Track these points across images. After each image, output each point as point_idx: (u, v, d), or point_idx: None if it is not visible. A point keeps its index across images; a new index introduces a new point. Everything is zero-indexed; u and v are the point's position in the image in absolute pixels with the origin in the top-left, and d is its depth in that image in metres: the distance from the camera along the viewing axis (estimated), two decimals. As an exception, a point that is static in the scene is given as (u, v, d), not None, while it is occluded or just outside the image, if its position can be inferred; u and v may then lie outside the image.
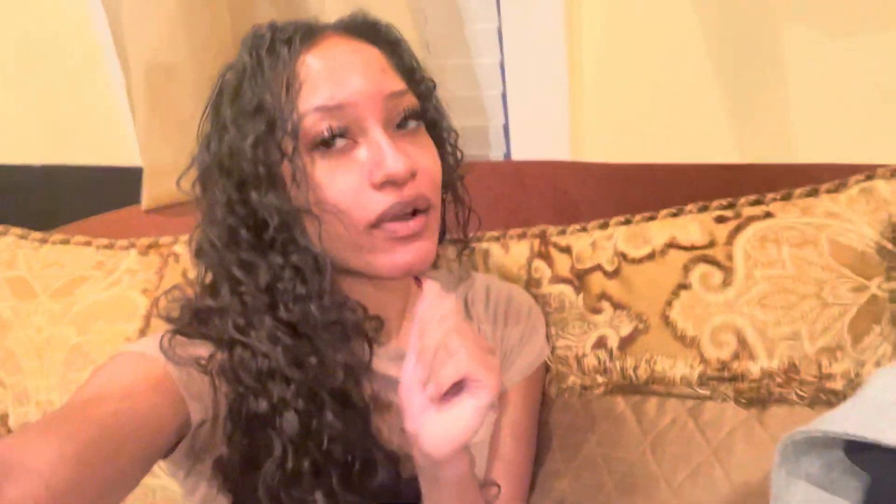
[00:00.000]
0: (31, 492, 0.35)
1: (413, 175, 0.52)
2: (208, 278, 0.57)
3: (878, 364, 0.63)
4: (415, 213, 0.53)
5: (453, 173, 0.64)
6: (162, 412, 0.47)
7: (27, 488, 0.35)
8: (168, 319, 0.56)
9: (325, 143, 0.52)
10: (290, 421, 0.51)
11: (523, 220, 0.89)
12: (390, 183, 0.52)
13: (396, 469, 0.55)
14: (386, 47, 0.58)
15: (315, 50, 0.54)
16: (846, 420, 0.43)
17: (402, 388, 0.49)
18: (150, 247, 0.90)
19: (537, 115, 0.99)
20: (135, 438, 0.44)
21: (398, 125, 0.54)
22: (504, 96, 1.01)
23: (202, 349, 0.53)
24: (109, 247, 0.91)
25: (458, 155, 0.64)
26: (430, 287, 0.50)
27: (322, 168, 0.53)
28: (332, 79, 0.52)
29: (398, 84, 0.55)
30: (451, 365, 0.45)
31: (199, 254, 0.57)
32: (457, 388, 0.46)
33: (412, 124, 0.55)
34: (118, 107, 1.18)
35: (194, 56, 0.95)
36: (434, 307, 0.48)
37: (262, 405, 0.51)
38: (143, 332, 0.81)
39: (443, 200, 0.63)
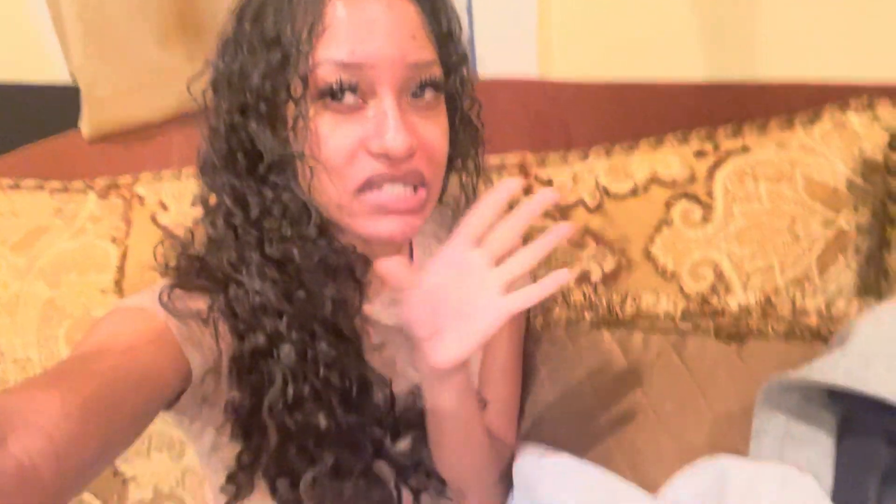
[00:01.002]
0: (35, 445, 0.36)
1: (412, 154, 0.51)
2: (212, 201, 0.56)
3: (841, 293, 0.69)
4: (406, 184, 0.53)
5: (470, 145, 0.62)
6: (163, 365, 0.48)
7: (30, 442, 0.36)
8: (166, 269, 0.56)
9: (332, 95, 0.50)
10: (286, 352, 0.52)
11: (496, 145, 0.88)
12: (386, 156, 0.51)
13: (391, 391, 0.58)
14: (426, 5, 0.53)
15: None
16: (835, 371, 0.48)
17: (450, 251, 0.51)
18: (109, 188, 0.85)
19: (504, 28, 0.96)
20: (136, 391, 0.44)
21: (414, 93, 0.52)
22: (469, 9, 0.96)
23: (201, 301, 0.53)
24: (64, 190, 0.85)
25: (479, 127, 0.62)
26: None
27: (324, 121, 0.51)
28: (356, 34, 0.50)
29: (426, 54, 0.52)
30: (526, 253, 0.48)
31: (202, 170, 0.56)
32: None
33: (429, 96, 0.53)
34: (35, 16, 1.05)
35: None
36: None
37: (260, 339, 0.52)
38: (118, 284, 0.79)
39: (452, 167, 0.61)
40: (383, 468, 0.59)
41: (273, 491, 0.55)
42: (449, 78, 0.55)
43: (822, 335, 0.61)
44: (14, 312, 0.78)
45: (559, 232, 0.51)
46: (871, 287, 0.70)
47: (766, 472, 0.49)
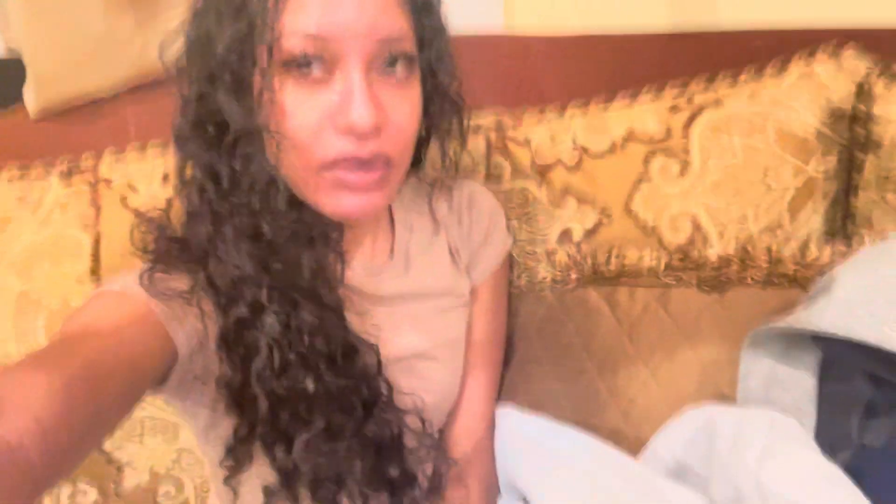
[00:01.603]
0: (22, 426, 0.36)
1: (378, 130, 0.50)
2: (188, 173, 0.56)
3: (808, 236, 0.72)
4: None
5: (448, 120, 0.61)
6: (148, 346, 0.48)
7: (17, 422, 0.36)
8: (144, 252, 0.55)
9: (297, 67, 0.49)
10: (269, 322, 0.53)
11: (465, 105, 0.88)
12: (351, 133, 0.50)
13: (377, 354, 0.59)
14: None
15: None
16: (821, 319, 0.51)
17: None
18: (70, 173, 0.81)
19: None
20: (122, 373, 0.45)
21: (384, 67, 0.51)
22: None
23: (182, 282, 0.53)
24: (22, 177, 0.81)
25: (459, 102, 0.61)
26: None
27: (290, 94, 0.50)
28: (324, 4, 0.48)
29: (397, 27, 0.50)
30: None
31: (176, 140, 0.55)
32: None
33: (400, 70, 0.51)
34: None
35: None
36: None
37: (242, 310, 0.53)
38: (94, 272, 0.76)
39: (425, 141, 0.61)
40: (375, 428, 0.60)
41: (271, 459, 0.56)
42: (423, 52, 0.54)
43: (798, 281, 0.65)
44: (-13, 308, 0.76)
45: None
46: (837, 230, 0.74)
47: (752, 417, 0.52)
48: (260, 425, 0.55)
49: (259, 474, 0.58)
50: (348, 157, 0.50)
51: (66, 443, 0.38)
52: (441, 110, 0.59)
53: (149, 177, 0.80)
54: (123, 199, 0.79)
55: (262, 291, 0.53)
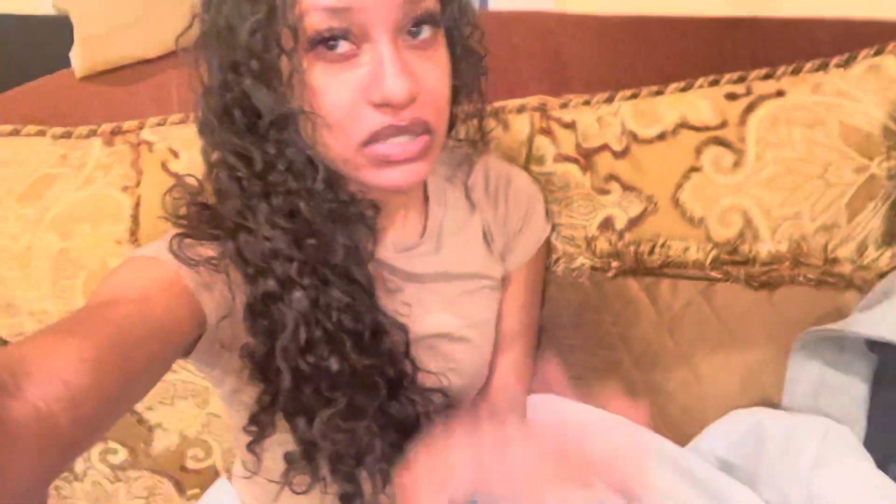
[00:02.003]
0: (52, 391, 0.36)
1: (413, 99, 0.49)
2: (214, 156, 0.55)
3: (867, 238, 0.69)
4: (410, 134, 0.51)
5: (473, 74, 0.59)
6: (177, 313, 0.48)
7: (48, 388, 0.36)
8: (176, 218, 0.55)
9: (324, 44, 0.48)
10: (298, 297, 0.52)
11: (511, 85, 0.86)
12: (387, 104, 0.49)
13: (406, 335, 0.59)
14: None
15: None
16: (881, 324, 0.48)
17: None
18: (113, 134, 0.82)
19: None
20: (151, 339, 0.45)
21: (410, 32, 0.49)
22: (482, -64, 0.91)
23: (210, 249, 0.53)
24: (67, 136, 0.82)
25: (482, 55, 0.59)
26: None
27: (319, 74, 0.49)
28: None
29: None
30: None
31: (202, 130, 0.55)
32: None
33: (426, 32, 0.50)
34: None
35: None
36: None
37: (271, 283, 0.52)
38: (133, 234, 0.77)
39: (455, 99, 0.59)
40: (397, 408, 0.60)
41: (293, 429, 0.56)
42: (446, 9, 0.53)
43: (854, 283, 0.62)
44: (26, 265, 0.76)
45: None
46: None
47: (805, 423, 0.50)
48: (282, 397, 0.55)
49: (281, 442, 0.58)
50: (387, 127, 0.49)
51: (94, 410, 0.38)
52: (467, 66, 0.58)
53: (190, 142, 0.80)
54: (164, 164, 0.79)
55: (292, 266, 0.52)
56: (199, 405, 0.82)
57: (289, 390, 0.54)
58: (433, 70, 0.51)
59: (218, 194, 0.55)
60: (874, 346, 0.53)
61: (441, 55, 0.52)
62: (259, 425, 0.58)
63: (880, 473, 0.46)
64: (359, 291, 0.55)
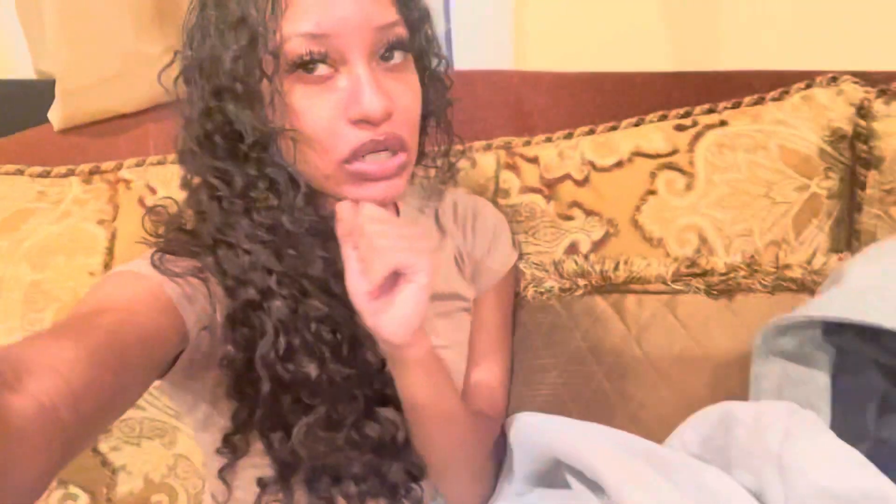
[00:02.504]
0: (53, 387, 0.36)
1: (389, 115, 0.53)
2: (195, 181, 0.58)
3: (815, 253, 0.73)
4: (388, 151, 0.54)
5: (440, 101, 0.64)
6: (161, 325, 0.49)
7: (49, 383, 0.36)
8: (155, 237, 0.57)
9: (304, 67, 0.52)
10: (278, 305, 0.54)
11: (478, 132, 0.91)
12: (365, 121, 0.52)
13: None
14: None
15: None
16: (830, 306, 0.51)
17: (350, 292, 0.52)
18: (91, 173, 0.84)
19: (481, 24, 0.99)
20: (138, 347, 0.45)
21: (382, 56, 0.54)
22: (447, 5, 0.99)
23: (190, 264, 0.54)
24: (45, 175, 0.83)
25: (448, 83, 0.64)
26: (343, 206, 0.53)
27: (300, 95, 0.52)
28: (319, 3, 0.51)
29: (389, 15, 0.53)
30: (377, 261, 0.49)
31: (181, 158, 0.58)
32: (395, 278, 0.50)
33: (398, 57, 0.54)
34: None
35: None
36: (353, 216, 0.52)
37: (251, 293, 0.54)
38: (107, 266, 0.77)
39: (424, 127, 0.63)
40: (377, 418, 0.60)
41: (268, 447, 0.56)
42: (414, 36, 0.57)
43: (806, 286, 0.66)
44: (-3, 297, 0.76)
45: None
46: (841, 249, 0.75)
47: (772, 406, 0.52)
48: (260, 408, 0.55)
49: (254, 465, 0.58)
50: (366, 143, 0.53)
51: (94, 407, 0.39)
52: (436, 93, 0.62)
53: (168, 181, 0.82)
54: (141, 199, 0.81)
55: (272, 278, 0.54)
56: (165, 445, 0.80)
57: (267, 400, 0.54)
58: (406, 91, 0.55)
59: (199, 215, 0.57)
60: (831, 335, 0.56)
61: (412, 78, 0.57)
62: (232, 446, 0.57)
63: (848, 445, 0.48)
64: (336, 304, 0.56)
